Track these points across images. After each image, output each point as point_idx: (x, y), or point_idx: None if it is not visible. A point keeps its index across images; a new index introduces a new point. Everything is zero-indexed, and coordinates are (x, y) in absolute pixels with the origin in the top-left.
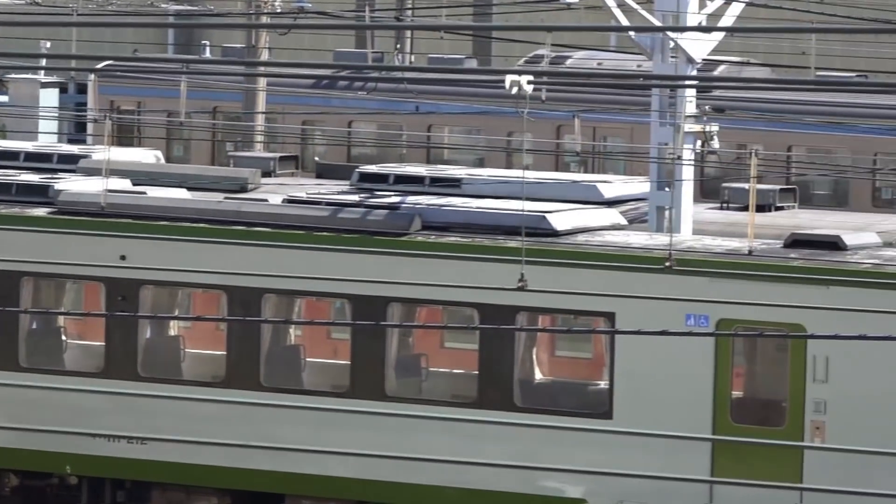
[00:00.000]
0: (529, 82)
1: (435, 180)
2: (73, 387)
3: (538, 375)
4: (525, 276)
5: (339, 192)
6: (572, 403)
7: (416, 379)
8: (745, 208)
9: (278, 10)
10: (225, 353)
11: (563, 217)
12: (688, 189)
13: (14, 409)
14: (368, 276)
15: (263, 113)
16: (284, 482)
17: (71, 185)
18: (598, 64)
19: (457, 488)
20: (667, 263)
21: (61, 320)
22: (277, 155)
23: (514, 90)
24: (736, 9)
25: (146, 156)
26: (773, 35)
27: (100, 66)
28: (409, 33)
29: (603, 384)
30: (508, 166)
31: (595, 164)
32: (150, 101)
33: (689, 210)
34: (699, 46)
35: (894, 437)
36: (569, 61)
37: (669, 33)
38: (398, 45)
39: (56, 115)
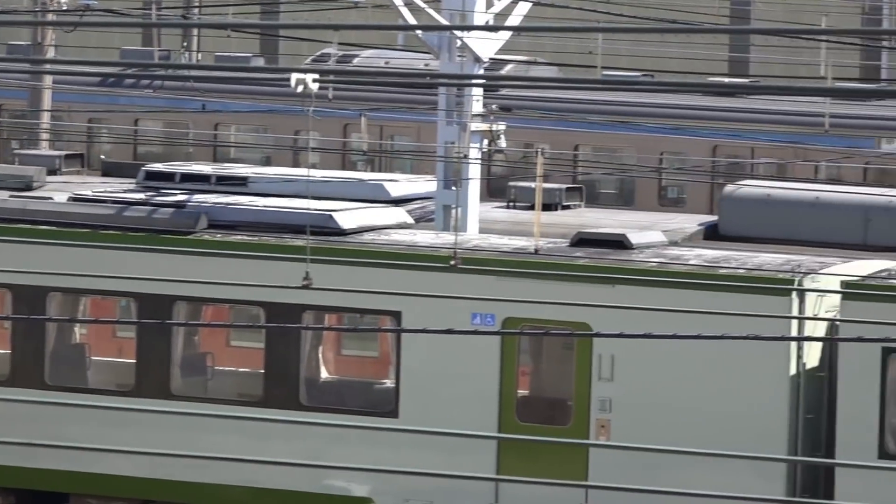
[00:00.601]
0: (315, 81)
1: (221, 179)
2: None
3: (324, 374)
4: (310, 274)
5: (125, 191)
6: (358, 402)
7: (201, 377)
8: (532, 207)
9: (64, 8)
10: (10, 351)
11: (349, 216)
12: (474, 188)
13: None
14: (155, 275)
15: (49, 111)
16: (68, 481)
17: None
18: (386, 63)
19: (244, 487)
20: (452, 262)
21: None
22: (63, 153)
23: (300, 88)
24: (523, 8)
25: None
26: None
27: None
28: (196, 31)
29: (389, 383)
30: (295, 165)
31: (382, 163)
32: None
33: (476, 209)
34: (486, 45)
35: (679, 435)
36: (356, 60)
37: (456, 32)
38: (185, 44)
39: None
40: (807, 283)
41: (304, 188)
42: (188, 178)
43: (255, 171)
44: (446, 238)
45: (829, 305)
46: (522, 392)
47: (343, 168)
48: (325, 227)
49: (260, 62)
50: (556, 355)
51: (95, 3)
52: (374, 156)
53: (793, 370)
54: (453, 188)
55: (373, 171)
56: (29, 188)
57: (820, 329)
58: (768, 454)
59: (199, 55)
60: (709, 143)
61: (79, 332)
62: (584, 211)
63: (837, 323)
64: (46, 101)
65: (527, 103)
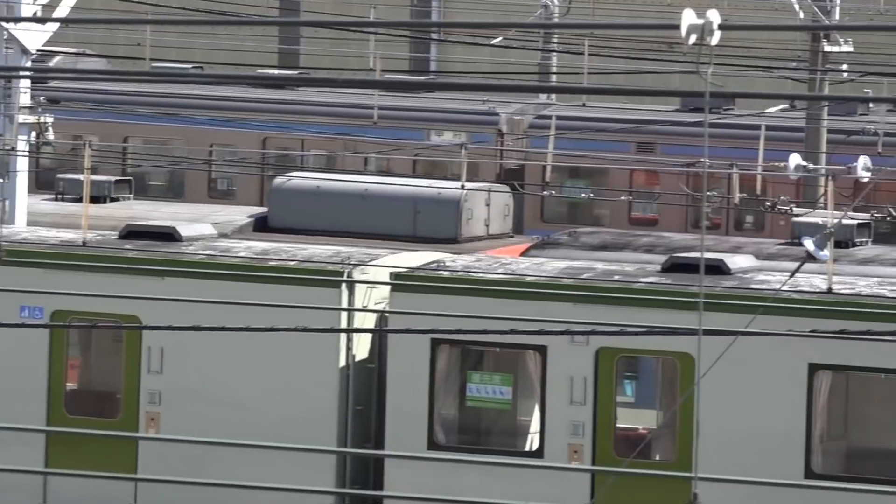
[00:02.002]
0: None
1: None
2: None
3: None
4: None
5: None
6: None
7: None
8: (81, 199)
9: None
10: None
11: None
12: (22, 180)
13: None
14: None
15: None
16: None
17: None
18: None
19: None
20: None
21: None
22: (112, 178)
23: None
24: (71, 0)
25: None
26: (109, 26)
27: None
28: None
29: None
30: None
31: None
32: None
33: (24, 201)
34: (34, 37)
35: (231, 427)
36: None
37: (3, 24)
38: None
39: None
40: (356, 275)
41: None
42: None
43: None
44: None
45: (379, 297)
46: (72, 385)
47: None
48: None
49: None
50: (106, 348)
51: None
52: None
53: (342, 362)
54: (1, 181)
55: None
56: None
57: (370, 321)
58: (319, 446)
59: None
60: (258, 135)
61: None
62: (133, 203)
63: (386, 314)
64: None
65: (76, 95)
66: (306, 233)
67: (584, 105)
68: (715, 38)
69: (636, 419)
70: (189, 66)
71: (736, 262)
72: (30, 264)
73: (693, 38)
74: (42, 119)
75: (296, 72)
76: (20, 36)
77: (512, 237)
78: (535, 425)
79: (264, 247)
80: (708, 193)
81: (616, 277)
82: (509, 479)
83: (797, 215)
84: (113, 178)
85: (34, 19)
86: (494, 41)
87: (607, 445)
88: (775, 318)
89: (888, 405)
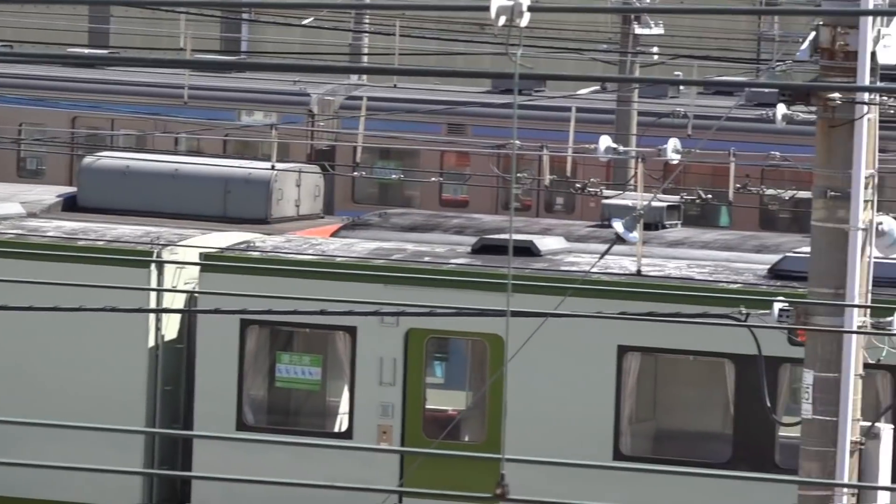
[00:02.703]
0: None
1: None
2: None
3: None
4: None
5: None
6: None
7: None
8: None
9: None
10: None
11: None
12: None
13: None
14: None
15: None
16: None
17: None
18: None
19: None
20: None
21: None
22: None
23: None
24: None
25: None
26: None
27: None
28: None
29: None
30: None
31: None
32: None
33: None
34: None
35: (42, 407)
36: None
37: None
38: None
39: None
40: (165, 255)
41: None
42: None
43: None
44: None
45: (189, 277)
46: None
47: None
48: None
49: None
50: None
51: None
52: None
53: (151, 342)
54: None
55: None
56: None
57: (179, 301)
58: (128, 426)
59: None
60: (68, 114)
61: None
62: None
63: (196, 295)
64: None
65: None
66: (116, 213)
67: (395, 86)
68: (524, 20)
69: (445, 400)
70: None
71: (546, 243)
72: None
73: (503, 20)
74: None
75: (106, 51)
76: None
77: (322, 218)
78: (344, 406)
79: (73, 226)
80: (518, 175)
81: (426, 259)
82: (319, 460)
83: (607, 197)
84: None
85: None
86: (306, 21)
87: (416, 426)
88: (585, 300)
89: (696, 387)
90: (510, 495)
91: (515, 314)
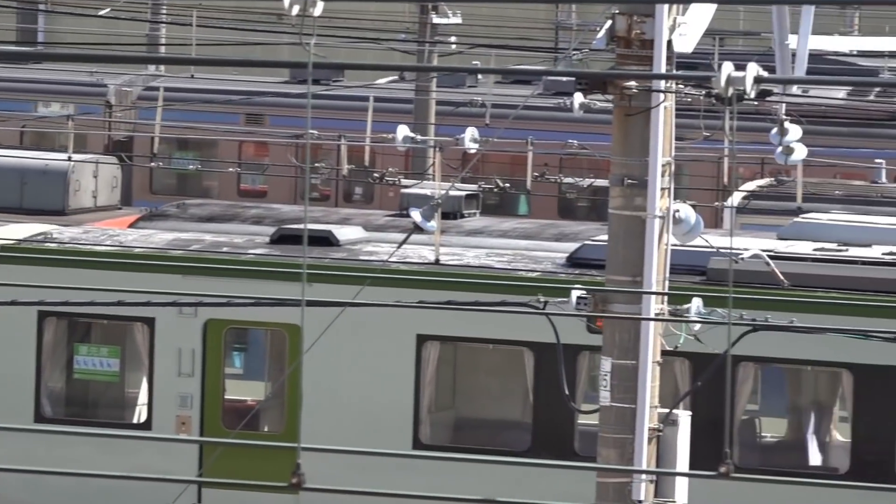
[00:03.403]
0: None
1: None
2: None
3: None
4: None
5: None
6: None
7: None
8: None
9: None
10: None
11: None
12: None
13: None
14: None
15: None
16: None
17: None
18: None
19: None
20: None
21: None
22: None
23: None
24: None
25: None
26: None
27: None
28: None
29: None
30: None
31: None
32: None
33: None
34: None
35: None
36: None
37: None
38: None
39: None
40: None
41: None
42: None
43: None
44: None
45: None
46: None
47: None
48: None
49: None
50: None
51: None
52: None
53: None
54: None
55: None
56: None
57: None
58: None
59: None
60: None
61: None
62: None
63: None
64: None
65: None
66: None
67: (192, 76)
68: (318, 9)
69: (245, 391)
70: None
71: (344, 233)
72: None
73: (296, 9)
74: None
75: None
76: None
77: (120, 209)
78: (143, 397)
79: None
80: (315, 165)
81: (224, 249)
82: (119, 452)
83: (405, 187)
84: None
85: None
86: (103, 12)
87: (215, 417)
88: (383, 289)
89: (496, 375)
90: (306, 484)
91: (311, 304)
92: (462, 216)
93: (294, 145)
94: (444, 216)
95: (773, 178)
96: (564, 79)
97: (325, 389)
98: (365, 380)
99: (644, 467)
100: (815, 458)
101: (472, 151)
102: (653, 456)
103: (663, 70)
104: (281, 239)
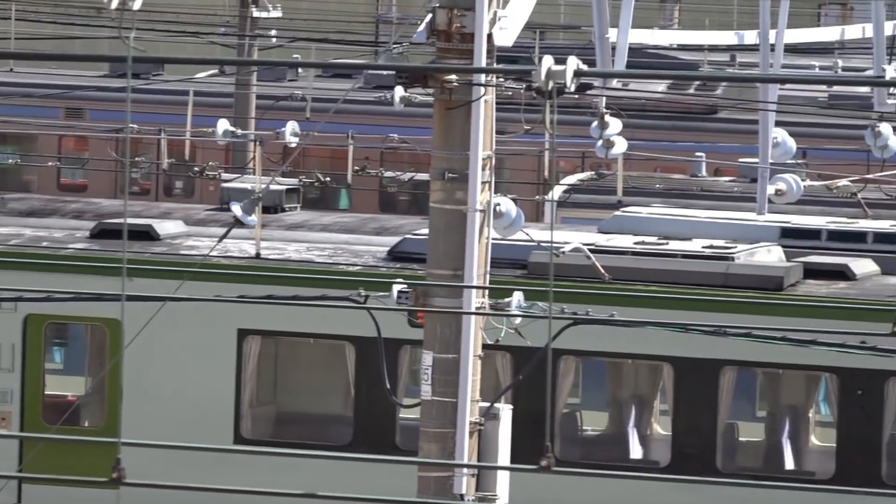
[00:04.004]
0: None
1: None
2: None
3: None
4: None
5: None
6: None
7: None
8: None
9: None
10: None
11: None
12: None
13: None
14: None
15: None
16: None
17: None
18: None
19: None
20: None
21: None
22: None
23: None
24: None
25: None
26: None
27: None
28: None
29: None
30: None
31: None
32: None
33: None
34: None
35: None
36: None
37: None
38: None
39: None
40: None
41: None
42: None
43: None
44: None
45: None
46: None
47: None
48: None
49: None
50: None
51: None
52: None
53: None
54: None
55: None
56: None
57: None
58: None
59: None
60: None
61: None
62: None
63: None
64: None
65: None
66: None
67: (11, 70)
68: (137, 3)
69: (65, 386)
70: None
71: (165, 227)
72: None
73: (115, 3)
74: None
75: None
76: None
77: None
78: None
79: None
80: (135, 159)
81: (44, 244)
82: None
83: (226, 181)
84: None
85: None
86: None
87: (35, 412)
88: (204, 284)
89: (317, 370)
90: (126, 479)
91: (131, 298)
92: (283, 210)
93: (114, 139)
94: (265, 210)
95: (593, 172)
96: (385, 72)
97: (145, 384)
98: (186, 374)
99: (465, 461)
100: (636, 451)
101: (293, 145)
102: (474, 450)
103: (484, 64)
104: (101, 233)
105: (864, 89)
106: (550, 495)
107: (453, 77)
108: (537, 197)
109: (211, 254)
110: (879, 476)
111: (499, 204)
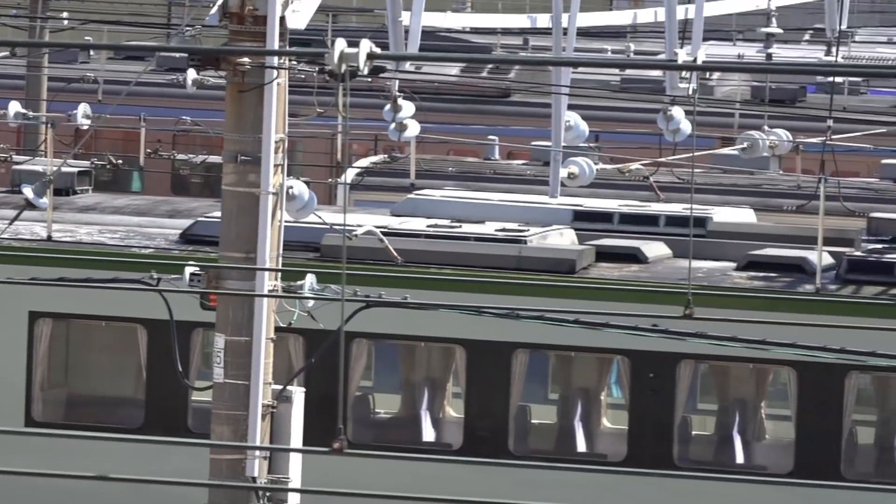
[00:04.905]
0: None
1: None
2: None
3: None
4: None
5: None
6: None
7: None
8: None
9: None
10: None
11: None
12: None
13: None
14: None
15: None
16: None
17: None
18: None
19: None
20: None
21: None
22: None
23: None
24: None
25: None
26: None
27: None
28: None
29: None
30: None
31: None
32: None
33: None
34: None
35: None
36: None
37: None
38: None
39: None
40: None
41: None
42: None
43: None
44: None
45: None
46: None
47: None
48: None
49: None
50: None
51: None
52: None
53: None
54: None
55: None
56: None
57: None
58: None
59: None
60: None
61: None
62: None
63: None
64: None
65: None
66: None
67: None
68: None
69: None
70: None
71: None
72: None
73: None
74: None
75: None
76: None
77: None
78: None
79: None
80: None
81: None
82: None
83: (17, 163)
84: None
85: None
86: None
87: None
88: None
89: (110, 352)
90: None
91: None
92: (75, 192)
93: None
94: (57, 193)
95: (386, 155)
96: (177, 55)
97: None
98: None
99: (258, 444)
100: (428, 434)
101: (85, 128)
102: (267, 432)
103: (276, 46)
104: None
105: (657, 73)
106: (343, 477)
107: (246, 60)
108: (330, 180)
109: (2, 236)
110: (671, 457)
111: (291, 187)
